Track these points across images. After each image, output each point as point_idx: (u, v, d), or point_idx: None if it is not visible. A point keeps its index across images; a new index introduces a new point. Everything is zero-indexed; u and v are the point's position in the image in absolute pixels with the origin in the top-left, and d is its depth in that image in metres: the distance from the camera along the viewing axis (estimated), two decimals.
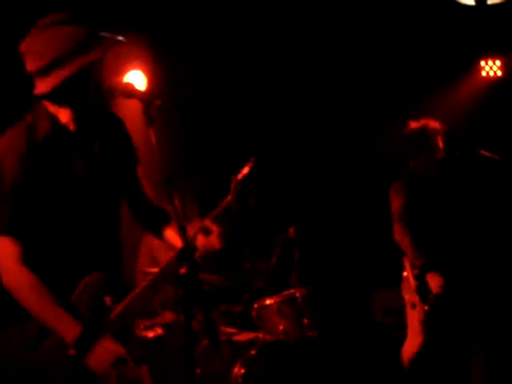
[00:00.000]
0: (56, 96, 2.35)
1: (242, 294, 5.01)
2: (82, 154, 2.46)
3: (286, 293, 4.90)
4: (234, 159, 6.23)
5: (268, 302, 4.79)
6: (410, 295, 4.41)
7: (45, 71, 2.29)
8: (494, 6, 6.00)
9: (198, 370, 4.14)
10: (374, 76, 6.46)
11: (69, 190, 2.42)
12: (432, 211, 4.44)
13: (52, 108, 2.42)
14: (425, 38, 6.26)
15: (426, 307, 4.25)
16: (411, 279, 4.34)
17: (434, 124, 4.49)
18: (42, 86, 2.31)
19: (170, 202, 2.17)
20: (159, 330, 2.58)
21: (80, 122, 2.45)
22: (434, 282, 4.19)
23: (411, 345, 4.44)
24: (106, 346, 2.30)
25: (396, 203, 4.43)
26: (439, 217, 4.44)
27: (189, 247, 2.21)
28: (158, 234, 2.73)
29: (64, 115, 2.42)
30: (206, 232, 2.61)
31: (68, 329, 2.27)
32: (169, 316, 4.50)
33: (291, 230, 5.13)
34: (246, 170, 2.78)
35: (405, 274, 4.46)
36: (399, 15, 6.13)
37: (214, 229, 2.61)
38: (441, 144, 4.48)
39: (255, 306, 4.79)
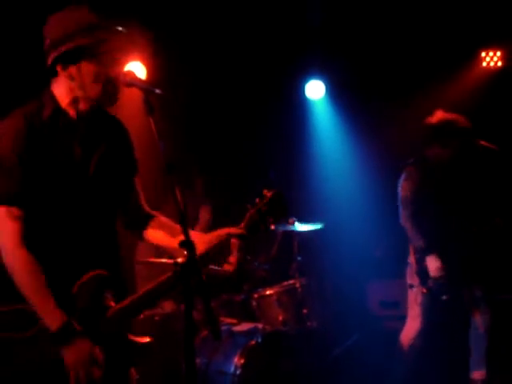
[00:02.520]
0: (66, 59, 2.37)
1: (242, 284, 5.01)
2: (80, 143, 2.46)
3: (285, 283, 4.91)
4: (236, 150, 6.34)
5: (268, 292, 4.81)
6: (412, 280, 4.46)
7: (57, 44, 2.36)
8: None
9: (198, 360, 4.17)
10: (375, 66, 6.45)
11: (65, 175, 2.41)
12: (438, 197, 4.49)
13: (56, 90, 2.43)
14: (425, 28, 6.24)
15: (425, 290, 4.31)
16: (414, 264, 4.39)
17: (464, 124, 4.45)
18: (54, 54, 2.37)
19: (171, 190, 2.17)
20: (147, 338, 2.55)
21: (81, 109, 2.45)
22: (432, 265, 4.25)
23: (410, 328, 4.49)
24: (84, 344, 2.32)
25: (406, 187, 4.47)
26: (444, 203, 4.49)
27: (189, 237, 2.21)
28: (151, 239, 2.72)
29: (65, 99, 2.43)
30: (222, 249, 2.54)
31: (53, 317, 2.29)
32: (169, 306, 4.52)
33: (291, 221, 5.13)
34: (265, 201, 2.59)
35: (409, 259, 4.51)
36: (400, 6, 6.11)
37: (235, 253, 2.56)
38: (458, 144, 4.46)
39: (255, 296, 4.81)
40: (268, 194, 2.60)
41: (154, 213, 2.72)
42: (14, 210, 2.32)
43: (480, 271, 4.60)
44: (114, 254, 2.58)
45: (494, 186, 5.54)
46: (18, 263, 2.32)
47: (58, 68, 2.39)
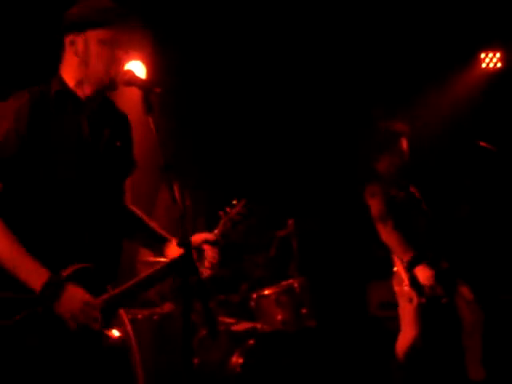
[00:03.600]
0: (73, 29, 2.42)
1: (240, 284, 5.02)
2: (89, 121, 2.48)
3: (284, 283, 4.91)
4: (235, 151, 6.33)
5: (266, 292, 4.81)
6: (400, 288, 4.46)
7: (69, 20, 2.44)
8: None
9: (196, 360, 4.17)
10: (373, 68, 6.45)
11: (75, 153, 2.41)
12: (408, 209, 4.50)
13: (64, 74, 2.46)
14: (424, 29, 6.24)
15: (423, 300, 4.30)
16: (403, 274, 4.39)
17: (400, 126, 4.56)
18: (63, 26, 2.45)
19: (169, 189, 2.18)
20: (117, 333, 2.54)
21: (86, 93, 2.47)
22: (423, 274, 4.25)
23: (405, 338, 4.47)
24: (74, 291, 2.29)
25: (375, 204, 4.46)
26: (417, 213, 4.51)
27: (186, 236, 2.21)
28: (133, 240, 2.75)
29: (71, 81, 2.45)
30: (199, 254, 2.62)
31: (36, 275, 2.26)
32: (168, 306, 4.52)
33: (290, 222, 5.14)
34: (236, 210, 2.71)
35: (395, 269, 4.51)
36: (399, 7, 6.12)
37: (209, 258, 2.63)
38: (405, 146, 4.54)
39: (254, 295, 4.81)
40: (237, 203, 2.72)
41: (137, 213, 2.74)
42: None
43: (468, 270, 4.62)
44: (117, 238, 2.58)
45: (493, 187, 5.58)
46: None
47: (67, 41, 2.44)
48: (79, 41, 2.41)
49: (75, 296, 2.29)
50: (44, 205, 2.35)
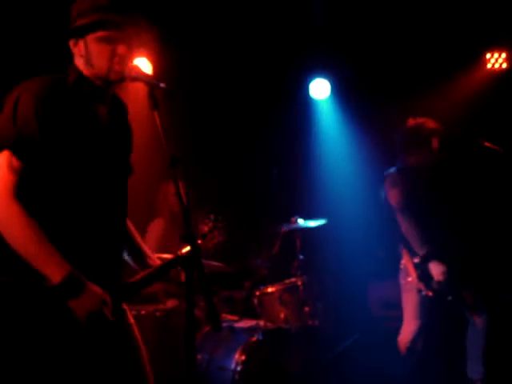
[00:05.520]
0: (75, 35, 2.46)
1: (243, 281, 5.03)
2: (106, 106, 2.52)
3: (287, 281, 4.92)
4: (240, 149, 6.34)
5: (270, 289, 4.82)
6: (405, 281, 4.47)
7: (71, 22, 2.46)
8: None
9: (199, 356, 4.18)
10: (380, 67, 6.45)
11: (90, 138, 2.42)
12: (428, 203, 4.50)
13: (78, 63, 2.48)
14: (431, 30, 6.24)
15: (431, 293, 4.31)
16: (410, 268, 4.39)
17: (432, 124, 4.56)
18: (68, 31, 2.47)
19: (175, 185, 2.19)
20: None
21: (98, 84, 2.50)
22: (436, 269, 4.25)
23: (407, 331, 4.49)
24: (94, 291, 2.29)
25: (394, 195, 4.47)
26: (436, 207, 4.51)
27: (191, 233, 2.23)
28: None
29: (86, 71, 2.47)
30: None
31: (57, 267, 2.23)
32: (171, 303, 4.53)
33: (293, 220, 5.15)
34: (214, 224, 2.79)
35: (402, 262, 4.51)
36: (405, 6, 6.11)
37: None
38: (436, 144, 4.55)
39: (257, 293, 4.81)
40: (214, 217, 2.79)
41: (131, 229, 2.78)
42: (14, 161, 2.28)
43: (478, 271, 4.62)
44: (124, 227, 2.62)
45: (497, 188, 5.57)
46: (11, 213, 2.24)
47: (71, 44, 2.48)
48: (80, 42, 2.45)
49: (95, 296, 2.28)
50: (62, 189, 2.35)
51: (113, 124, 2.55)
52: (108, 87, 2.50)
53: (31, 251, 2.23)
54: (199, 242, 2.71)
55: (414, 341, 4.45)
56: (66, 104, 2.38)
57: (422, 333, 4.44)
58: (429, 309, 4.40)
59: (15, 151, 2.27)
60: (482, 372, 4.45)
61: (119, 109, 2.65)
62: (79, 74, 2.46)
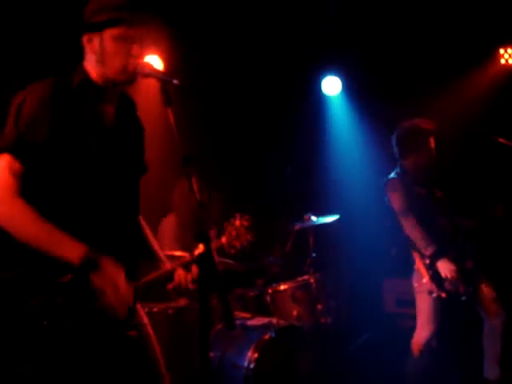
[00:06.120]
0: (90, 30, 2.46)
1: (256, 279, 5.02)
2: (112, 108, 2.52)
3: (300, 279, 4.91)
4: (253, 146, 6.33)
5: (282, 287, 4.81)
6: (418, 284, 4.44)
7: (86, 19, 2.47)
8: None
9: (212, 354, 4.17)
10: (392, 63, 6.43)
11: (96, 140, 2.43)
12: (428, 206, 4.47)
13: (87, 65, 2.49)
14: (444, 25, 6.20)
15: (444, 294, 4.27)
16: (423, 270, 4.36)
17: (427, 125, 4.54)
18: (82, 27, 2.47)
19: (188, 182, 2.17)
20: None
21: (107, 85, 2.49)
22: (444, 267, 4.22)
23: (421, 334, 4.45)
24: (113, 264, 2.32)
25: (397, 197, 4.45)
26: (437, 212, 4.48)
27: (205, 230, 2.22)
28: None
29: (93, 73, 2.48)
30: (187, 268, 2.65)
31: (73, 248, 2.26)
32: (183, 301, 4.53)
33: (306, 218, 5.13)
34: (240, 222, 2.78)
35: (415, 266, 4.49)
36: (418, 3, 6.08)
37: (194, 269, 2.64)
38: (433, 144, 4.53)
39: (270, 291, 4.80)
40: (241, 216, 2.79)
41: (144, 229, 2.79)
42: (15, 164, 2.29)
43: (491, 270, 4.57)
44: (135, 227, 2.63)
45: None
46: (18, 209, 2.26)
47: (85, 39, 2.47)
48: (95, 39, 2.45)
49: (116, 269, 2.32)
50: (68, 190, 2.36)
51: (120, 123, 2.54)
52: (115, 87, 2.50)
53: (45, 241, 2.26)
54: (223, 241, 2.71)
55: (427, 344, 4.42)
56: (69, 106, 2.38)
57: (436, 335, 4.40)
58: (443, 311, 4.36)
59: (16, 154, 2.29)
60: (498, 372, 4.41)
61: (128, 107, 2.65)
62: (84, 76, 2.47)
